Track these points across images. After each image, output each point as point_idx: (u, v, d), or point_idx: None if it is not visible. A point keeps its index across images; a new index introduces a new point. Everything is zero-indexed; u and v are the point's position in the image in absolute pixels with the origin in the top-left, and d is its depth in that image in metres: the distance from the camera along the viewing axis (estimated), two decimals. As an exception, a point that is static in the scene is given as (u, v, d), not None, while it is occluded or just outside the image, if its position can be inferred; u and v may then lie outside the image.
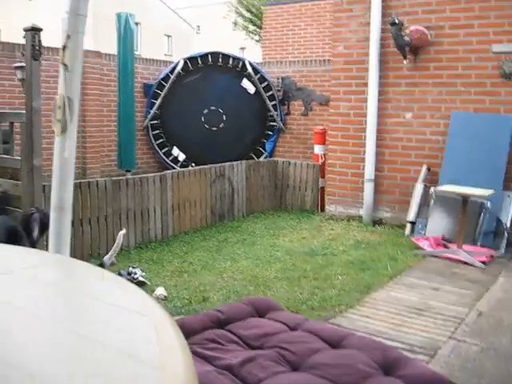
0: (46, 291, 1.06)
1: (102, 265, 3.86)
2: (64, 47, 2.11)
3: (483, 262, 5.48)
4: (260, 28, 20.62)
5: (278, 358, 1.74)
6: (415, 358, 3.42)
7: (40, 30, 4.79)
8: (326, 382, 1.59)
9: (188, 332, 1.56)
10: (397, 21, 6.58)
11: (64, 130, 2.14)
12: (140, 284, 4.61)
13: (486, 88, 6.29)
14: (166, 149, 11.00)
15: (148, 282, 4.67)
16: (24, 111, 4.87)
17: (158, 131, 11.01)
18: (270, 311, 2.13)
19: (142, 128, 10.77)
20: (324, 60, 10.84)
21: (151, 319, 0.87)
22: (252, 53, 27.06)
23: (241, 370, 1.63)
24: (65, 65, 2.11)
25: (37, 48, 4.72)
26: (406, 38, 6.54)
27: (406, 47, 6.60)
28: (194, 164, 10.76)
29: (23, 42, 8.60)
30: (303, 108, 10.92)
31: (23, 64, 5.67)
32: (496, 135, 6.13)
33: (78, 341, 0.83)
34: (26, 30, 4.77)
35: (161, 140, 11.00)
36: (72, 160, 2.25)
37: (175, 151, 10.94)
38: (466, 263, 5.49)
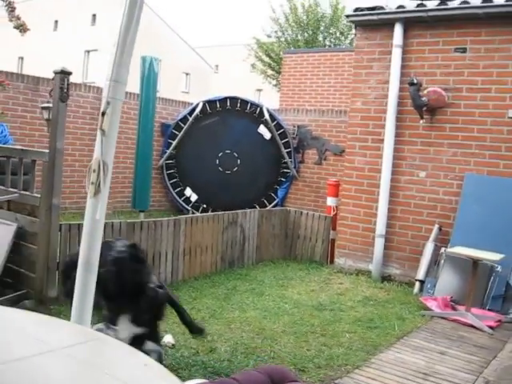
0: (81, 374, 1.11)
1: None
2: (103, 113, 2.20)
3: (491, 327, 5.46)
4: (278, 73, 20.98)
5: None
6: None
7: (70, 73, 4.94)
8: None
9: (206, 401, 1.59)
10: (415, 81, 6.72)
11: (97, 192, 2.22)
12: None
13: (500, 152, 6.38)
14: (179, 189, 11.12)
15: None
16: (47, 150, 4.97)
17: (172, 171, 11.16)
18: (285, 382, 2.16)
19: (157, 167, 10.92)
20: (340, 111, 11.00)
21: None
22: (269, 96, 27.43)
23: None
24: (103, 130, 2.20)
25: (65, 91, 4.86)
26: (424, 99, 6.67)
27: (423, 107, 6.72)
28: (205, 205, 10.88)
29: (47, 76, 8.86)
30: (317, 157, 11.04)
31: (50, 105, 5.82)
32: (509, 199, 6.18)
33: None
34: (55, 73, 4.92)
35: (174, 180, 11.14)
36: (102, 221, 2.32)
37: (188, 192, 11.05)
38: (473, 327, 5.48)
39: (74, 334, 1.32)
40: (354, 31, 8.13)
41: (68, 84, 4.89)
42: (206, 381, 2.35)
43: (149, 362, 1.13)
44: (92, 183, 2.23)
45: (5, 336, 1.21)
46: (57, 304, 4.93)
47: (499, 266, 5.94)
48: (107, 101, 2.21)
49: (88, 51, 34.72)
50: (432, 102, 6.68)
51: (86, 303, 2.32)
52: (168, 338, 4.46)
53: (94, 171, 2.22)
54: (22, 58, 37.14)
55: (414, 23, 6.97)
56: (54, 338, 1.24)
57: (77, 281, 2.35)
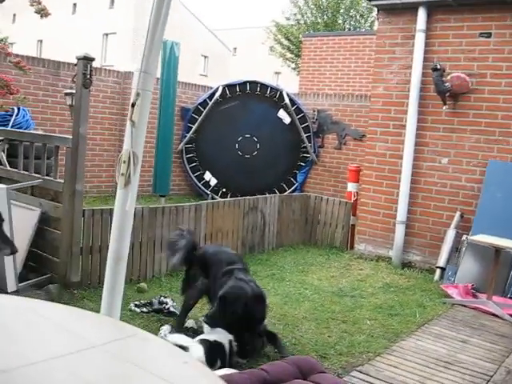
0: (121, 372, 1.12)
1: None
2: (133, 104, 2.21)
3: (512, 316, 5.44)
4: (297, 56, 20.84)
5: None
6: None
7: (92, 59, 4.95)
8: None
9: (236, 392, 1.62)
10: (438, 66, 6.64)
11: (127, 183, 2.24)
12: (171, 315, 4.68)
13: (524, 139, 6.30)
14: (199, 173, 11.15)
15: (178, 313, 4.72)
16: (70, 136, 5.00)
17: (191, 155, 11.18)
18: (313, 373, 2.18)
19: (177, 151, 10.94)
20: (361, 95, 10.93)
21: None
22: (287, 79, 27.27)
23: None
24: (132, 121, 2.21)
25: (88, 77, 4.87)
26: (447, 84, 6.59)
27: (446, 93, 6.64)
28: (224, 190, 10.90)
29: (67, 59, 8.90)
30: (337, 142, 10.99)
31: (73, 91, 5.85)
32: (532, 188, 6.12)
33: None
34: (78, 59, 4.92)
35: (194, 164, 11.16)
36: (132, 212, 2.34)
37: (207, 176, 11.08)
38: (494, 315, 5.46)
39: (112, 330, 1.34)
40: (374, 14, 8.05)
41: (91, 70, 4.90)
42: (236, 371, 2.38)
43: (188, 360, 1.14)
44: (122, 174, 2.24)
45: (44, 332, 1.23)
46: (80, 288, 5.00)
47: (522, 255, 5.89)
48: (137, 92, 2.22)
49: (106, 34, 34.71)
50: (455, 87, 6.60)
51: (115, 295, 2.34)
52: (190, 324, 4.51)
53: (124, 162, 2.23)
54: (41, 42, 37.23)
55: (438, 7, 6.87)
56: (92, 334, 1.25)
57: (106, 273, 2.37)
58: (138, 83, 2.22)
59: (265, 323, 4.17)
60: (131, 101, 2.24)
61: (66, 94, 8.54)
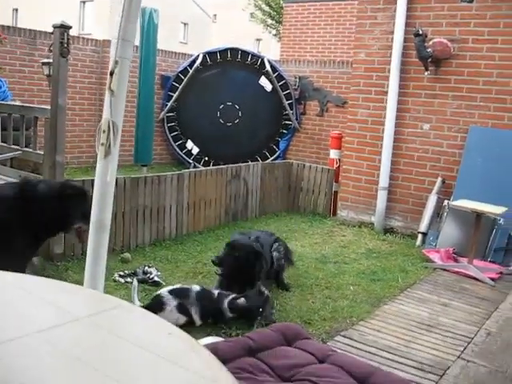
0: (106, 344, 1.12)
1: None
2: (112, 73, 2.17)
3: (493, 279, 5.53)
4: (278, 22, 20.61)
5: (308, 393, 1.81)
6: (425, 376, 3.50)
7: (69, 27, 4.84)
8: (356, 422, 1.66)
9: (221, 360, 1.63)
10: (420, 32, 6.60)
11: (107, 153, 2.20)
12: (155, 284, 4.69)
13: (505, 104, 6.32)
14: (181, 142, 11.08)
15: (163, 283, 4.74)
16: (49, 107, 4.92)
17: (173, 124, 11.10)
18: (298, 339, 2.20)
19: (158, 120, 10.84)
20: (342, 61, 10.87)
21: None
22: (268, 45, 27.02)
23: (274, 404, 1.71)
24: (111, 90, 2.17)
25: (65, 46, 4.77)
26: (429, 50, 6.56)
27: (428, 59, 6.62)
28: (207, 158, 10.86)
29: (43, 28, 8.71)
30: (319, 108, 10.96)
31: (50, 60, 5.73)
32: (513, 152, 6.16)
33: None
34: (54, 27, 4.81)
35: (175, 133, 11.09)
36: (113, 182, 2.31)
37: (189, 144, 11.02)
38: (475, 279, 5.55)
39: (96, 302, 1.33)
40: (357, -21, 7.91)
41: (68, 39, 4.80)
42: (221, 339, 2.39)
43: (173, 331, 1.14)
44: (102, 144, 2.21)
45: (26, 307, 1.22)
46: (64, 260, 4.98)
47: (502, 219, 5.97)
48: (115, 60, 2.17)
49: (83, 2, 33.97)
50: (437, 53, 6.57)
51: (98, 265, 2.33)
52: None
53: (104, 132, 2.20)
54: (17, 10, 36.35)
55: (420, -29, 6.80)
56: (76, 307, 1.25)
57: (89, 243, 2.36)
58: (116, 51, 2.18)
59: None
60: (109, 69, 2.19)
61: (44, 64, 8.37)
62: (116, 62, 2.16)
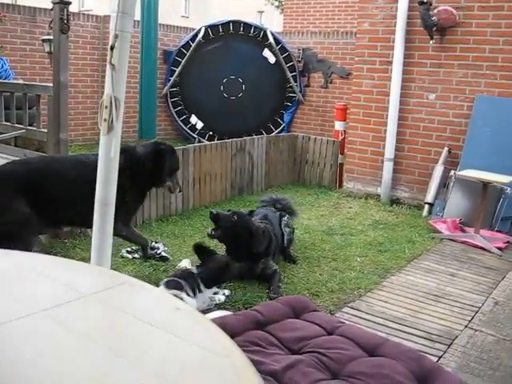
0: (112, 320, 1.12)
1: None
2: (112, 47, 2.14)
3: (499, 248, 5.52)
4: (281, -7, 20.32)
5: (317, 364, 1.81)
6: (433, 346, 3.52)
7: (69, 3, 4.79)
8: (365, 393, 1.67)
9: (230, 334, 1.63)
10: (425, 0, 6.49)
11: (110, 129, 2.19)
12: (162, 259, 4.71)
13: (512, 72, 6.24)
14: (185, 116, 11.03)
15: (170, 258, 4.75)
16: (51, 84, 4.89)
17: (176, 99, 11.03)
18: (306, 312, 2.20)
19: (161, 95, 10.78)
20: (346, 32, 10.73)
21: (232, 362, 0.93)
22: (270, 18, 26.71)
23: (284, 376, 1.71)
24: (112, 65, 2.14)
25: (65, 22, 4.72)
26: (434, 18, 6.46)
27: (433, 27, 6.52)
28: (211, 133, 10.82)
29: (43, 5, 8.62)
30: (323, 80, 10.86)
31: (51, 37, 5.68)
32: (520, 121, 6.10)
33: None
34: (54, 3, 4.76)
35: (179, 108, 11.03)
36: (117, 158, 2.30)
37: (193, 119, 10.97)
38: (482, 248, 5.54)
39: (102, 279, 1.33)
40: None
41: (68, 15, 4.75)
42: (228, 312, 2.40)
43: (181, 306, 1.14)
44: (105, 120, 2.19)
45: (31, 285, 1.22)
46: (71, 237, 5.00)
47: (509, 188, 5.93)
48: (115, 34, 2.14)
49: (83, -24, 33.64)
50: (442, 21, 6.47)
51: (105, 241, 2.33)
52: (185, 263, 4.53)
53: (106, 107, 2.18)
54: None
55: None
56: (82, 284, 1.24)
57: (94, 219, 2.35)
58: (115, 25, 2.15)
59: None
60: (109, 43, 2.16)
61: (44, 41, 8.29)
62: (116, 36, 2.13)
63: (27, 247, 3.66)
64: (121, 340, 1.03)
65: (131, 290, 1.23)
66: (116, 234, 4.05)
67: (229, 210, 4.55)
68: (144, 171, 4.28)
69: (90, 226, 4.27)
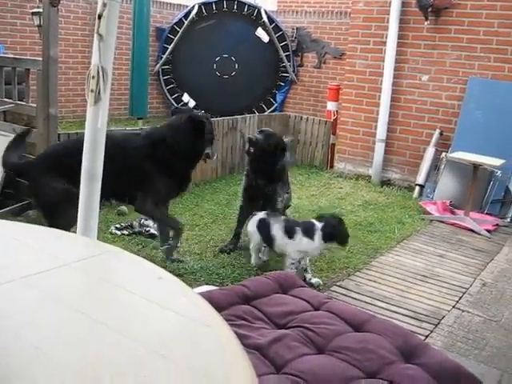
0: (95, 288, 1.10)
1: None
2: (100, 16, 2.09)
3: (489, 231, 5.55)
4: (275, -28, 20.09)
5: (303, 338, 1.81)
6: (420, 325, 3.53)
7: (59, -25, 4.69)
8: (350, 367, 1.67)
9: (215, 307, 1.62)
10: (420, -20, 6.44)
11: (97, 100, 2.15)
12: (151, 237, 4.69)
13: (506, 55, 6.21)
14: (177, 95, 10.94)
15: (158, 235, 4.73)
16: (40, 59, 4.82)
17: (168, 76, 10.94)
18: (294, 287, 2.19)
19: (153, 73, 10.68)
20: (340, 12, 10.63)
21: (215, 332, 0.91)
22: (265, -4, 26.43)
23: (269, 350, 1.71)
24: (100, 35, 2.10)
25: (56, -6, 4.64)
26: (429, -1, 6.41)
27: (428, 8, 6.48)
28: (203, 111, 10.73)
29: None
30: (317, 60, 10.80)
31: (40, 10, 5.58)
32: (512, 104, 6.09)
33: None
34: (44, -25, 4.67)
35: (171, 85, 10.94)
36: (104, 130, 2.26)
37: (185, 97, 10.88)
38: (471, 230, 5.56)
39: (86, 248, 1.31)
40: None
41: (58, -14, 4.66)
42: (216, 287, 2.40)
43: (163, 276, 1.12)
44: (92, 91, 2.15)
45: (14, 253, 1.20)
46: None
47: (499, 171, 5.94)
48: (104, 2, 2.10)
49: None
50: (437, 2, 6.42)
51: (91, 215, 2.30)
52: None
53: (94, 78, 2.14)
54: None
55: None
56: (65, 253, 1.22)
57: (81, 193, 2.32)
58: (105, -7, 2.10)
59: None
60: (97, 12, 2.12)
61: (33, 14, 8.15)
62: (104, 5, 2.08)
63: (70, 222, 3.67)
64: (102, 308, 1.02)
65: (115, 259, 1.21)
66: (144, 213, 4.25)
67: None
68: (181, 147, 4.09)
69: (128, 202, 4.42)
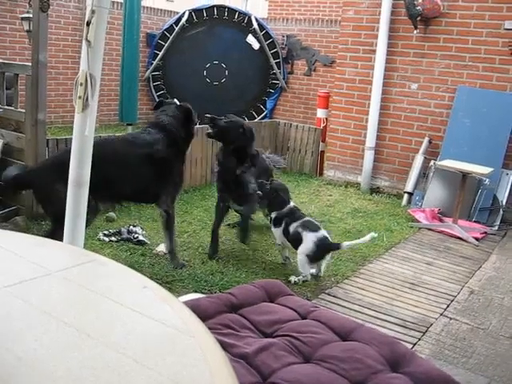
0: (79, 298, 1.09)
1: None
2: (88, 23, 2.09)
3: (477, 239, 5.57)
4: (266, -21, 20.17)
5: (290, 347, 1.80)
6: (408, 333, 3.54)
7: (49, -20, 4.68)
8: (336, 376, 1.66)
9: (202, 316, 1.61)
10: (410, -11, 6.48)
11: (85, 107, 2.14)
12: (140, 243, 4.67)
13: (494, 64, 6.26)
14: (167, 101, 10.91)
15: (148, 242, 4.72)
16: (30, 64, 4.80)
17: (158, 83, 10.93)
18: (281, 296, 2.19)
19: (143, 79, 10.67)
20: (331, 20, 10.70)
21: (198, 341, 0.91)
22: (256, 3, 26.51)
23: (255, 359, 1.70)
24: (88, 41, 2.10)
25: (45, 0, 4.63)
26: (418, 8, 6.45)
27: (417, 17, 6.52)
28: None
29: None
30: (307, 68, 10.84)
31: (30, 15, 5.57)
32: (500, 113, 6.13)
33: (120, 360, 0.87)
34: (34, -20, 4.66)
35: (161, 92, 10.93)
36: (91, 137, 2.25)
37: (175, 104, 10.85)
38: (459, 238, 5.59)
39: (70, 256, 1.30)
40: None
41: (48, -8, 4.65)
42: (203, 295, 2.39)
43: (148, 285, 1.11)
44: (79, 97, 2.14)
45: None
46: (48, 219, 4.92)
47: (487, 180, 5.98)
48: (92, 9, 2.09)
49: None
50: (427, 11, 6.46)
51: (78, 223, 2.29)
52: (161, 247, 4.51)
53: (81, 85, 2.13)
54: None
55: None
56: (49, 261, 1.21)
57: (68, 200, 2.31)
58: (92, 0, 2.10)
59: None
60: (86, 19, 2.11)
61: (23, 19, 8.13)
62: (93, 12, 2.08)
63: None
64: (85, 317, 1.01)
65: (99, 267, 1.20)
66: (164, 209, 4.24)
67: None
68: (182, 136, 4.30)
69: (144, 201, 4.60)
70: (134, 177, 4.07)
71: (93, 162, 3.87)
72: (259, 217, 5.51)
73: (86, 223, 3.92)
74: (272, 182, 4.66)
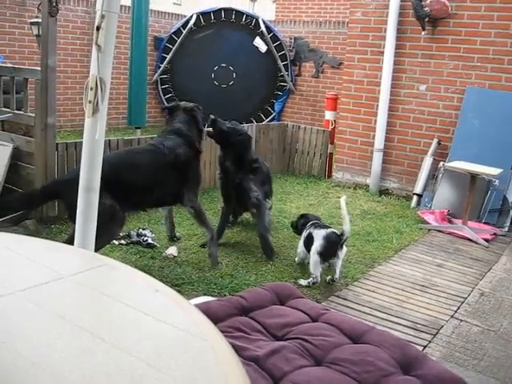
0: (91, 302, 1.10)
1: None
2: (98, 27, 2.10)
3: (486, 240, 5.54)
4: (273, -18, 20.19)
5: (301, 350, 1.80)
6: (418, 335, 3.52)
7: (58, -15, 4.72)
8: (348, 379, 1.66)
9: (213, 319, 1.62)
10: (418, -10, 6.47)
11: (95, 111, 2.15)
12: (149, 247, 4.68)
13: (503, 65, 6.23)
14: (175, 104, 10.94)
15: (157, 245, 4.73)
16: (39, 68, 4.82)
17: (167, 86, 10.97)
18: (291, 298, 2.19)
19: (152, 82, 10.71)
20: (338, 22, 10.70)
21: (211, 345, 0.91)
22: (263, 6, 26.52)
23: (266, 362, 1.70)
24: (98, 45, 2.11)
25: (54, 4, 4.65)
26: (426, 9, 6.44)
27: (425, 18, 6.50)
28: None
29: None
30: (314, 70, 10.84)
31: (39, 20, 5.60)
32: (509, 113, 6.11)
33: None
34: (43, -15, 4.69)
35: (169, 95, 10.96)
36: (102, 141, 2.26)
37: (183, 107, 10.88)
38: (469, 240, 5.56)
39: (82, 261, 1.31)
40: None
41: (57, -4, 4.68)
42: (213, 298, 2.39)
43: (160, 288, 1.12)
44: (89, 102, 2.15)
45: (10, 266, 1.19)
46: (58, 223, 4.96)
47: (497, 181, 5.95)
48: (102, 14, 2.10)
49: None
50: (435, 12, 6.45)
51: (89, 227, 2.30)
52: (171, 250, 4.53)
53: (92, 89, 2.14)
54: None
55: None
56: (61, 265, 1.22)
57: (79, 204, 2.32)
58: (102, 5, 2.11)
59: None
60: (96, 24, 2.13)
61: (32, 24, 8.18)
62: (102, 17, 2.09)
63: (112, 237, 4.09)
64: (98, 321, 1.01)
65: (111, 271, 1.21)
66: (190, 206, 4.38)
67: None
68: (195, 136, 4.55)
69: (168, 204, 4.68)
70: (160, 183, 4.20)
71: (121, 173, 3.90)
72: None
73: (113, 236, 4.08)
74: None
